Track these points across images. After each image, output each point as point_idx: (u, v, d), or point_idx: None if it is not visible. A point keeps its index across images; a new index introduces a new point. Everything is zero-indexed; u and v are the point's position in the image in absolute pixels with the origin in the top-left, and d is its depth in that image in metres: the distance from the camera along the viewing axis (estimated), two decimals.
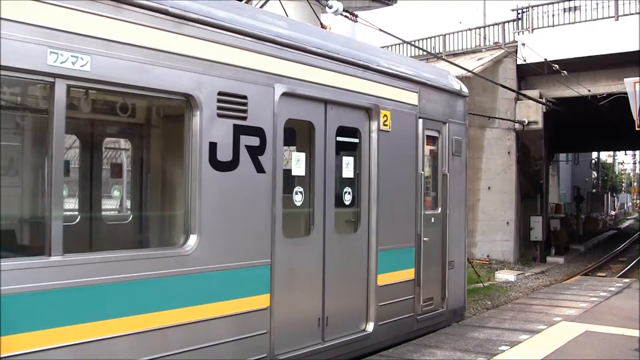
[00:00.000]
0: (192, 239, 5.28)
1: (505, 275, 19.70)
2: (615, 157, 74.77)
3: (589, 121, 29.61)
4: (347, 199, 7.33)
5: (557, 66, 19.68)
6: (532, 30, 23.58)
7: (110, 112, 6.57)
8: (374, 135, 7.45)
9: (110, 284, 4.67)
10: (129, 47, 4.80)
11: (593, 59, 21.46)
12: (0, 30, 4.04)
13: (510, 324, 8.92)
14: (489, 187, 22.90)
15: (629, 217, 64.20)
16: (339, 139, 7.06)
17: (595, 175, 62.16)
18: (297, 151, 6.83)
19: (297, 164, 6.59)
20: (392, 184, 7.75)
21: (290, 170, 6.61)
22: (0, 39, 4.03)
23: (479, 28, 26.13)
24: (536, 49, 21.92)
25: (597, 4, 22.19)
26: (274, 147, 6.03)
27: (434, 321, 8.64)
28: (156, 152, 7.09)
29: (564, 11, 23.11)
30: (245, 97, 5.73)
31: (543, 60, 21.01)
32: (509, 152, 23.29)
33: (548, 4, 23.54)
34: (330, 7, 9.76)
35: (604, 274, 20.84)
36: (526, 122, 22.88)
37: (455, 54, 25.21)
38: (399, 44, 26.52)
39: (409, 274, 8.09)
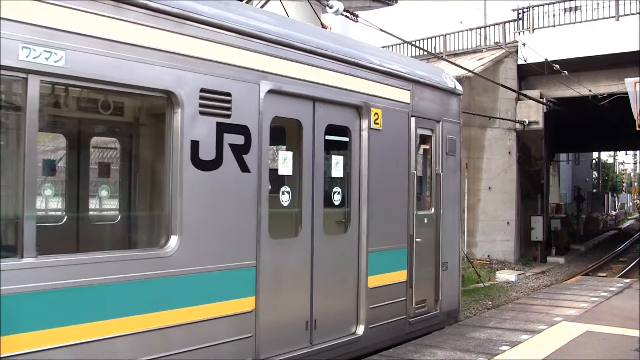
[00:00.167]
0: (173, 240, 5.11)
1: (505, 275, 19.66)
2: (616, 157, 74.75)
3: (589, 121, 29.58)
4: (337, 199, 7.15)
5: (557, 66, 19.67)
6: (533, 30, 23.54)
7: (91, 110, 6.37)
8: (365, 133, 7.27)
9: (86, 287, 4.49)
10: (106, 43, 4.63)
11: (594, 59, 21.42)
12: None
13: (510, 324, 8.87)
14: (489, 187, 22.87)
15: (629, 217, 64.11)
16: (328, 137, 6.89)
17: (596, 175, 62.13)
18: (288, 150, 6.67)
19: (284, 163, 6.41)
20: (384, 184, 7.58)
21: (277, 170, 6.45)
22: None
23: (480, 28, 26.08)
24: (537, 49, 21.89)
25: (597, 4, 22.15)
26: (260, 146, 5.86)
27: (427, 323, 8.45)
28: (138, 151, 6.89)
29: (565, 11, 23.08)
30: (229, 95, 5.57)
31: (544, 60, 20.98)
32: (509, 152, 23.25)
33: (549, 4, 23.50)
34: (331, 7, 9.75)
35: (604, 274, 20.80)
36: (527, 122, 22.83)
37: (455, 54, 25.18)
38: (400, 44, 26.51)
39: (400, 275, 7.90)
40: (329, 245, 6.86)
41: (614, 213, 62.10)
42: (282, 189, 6.40)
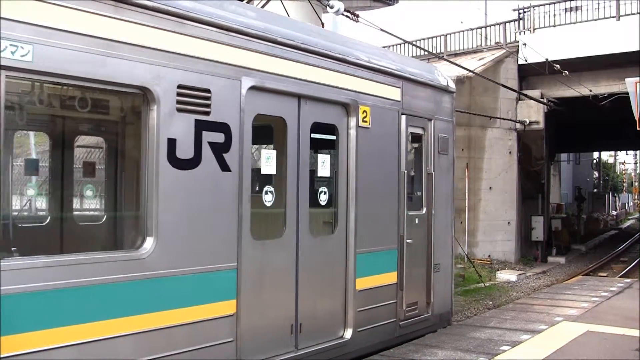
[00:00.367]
0: (149, 242, 4.89)
1: (506, 275, 19.65)
2: (617, 157, 74.71)
3: (590, 121, 29.62)
4: (323, 199, 6.94)
5: (558, 66, 19.69)
6: (534, 30, 23.53)
7: (67, 108, 6.12)
8: (353, 132, 7.05)
9: (55, 290, 4.25)
10: (77, 37, 4.42)
11: (594, 59, 21.40)
12: None
13: (511, 324, 8.85)
14: (490, 187, 22.85)
15: (630, 217, 63.97)
16: (314, 135, 6.67)
17: (597, 175, 62.10)
18: (276, 149, 6.45)
19: (268, 161, 6.18)
20: (373, 183, 7.36)
21: (261, 169, 6.24)
22: None
23: (481, 28, 26.10)
24: (537, 48, 21.88)
25: (598, 4, 22.14)
26: (241, 144, 5.64)
27: (418, 327, 8.23)
28: (113, 150, 6.68)
29: (565, 11, 23.07)
30: (208, 91, 5.35)
31: (544, 60, 20.99)
32: (510, 152, 23.23)
33: (549, 4, 23.48)
34: (332, 7, 9.76)
35: (605, 274, 20.77)
36: (527, 122, 22.80)
37: (456, 54, 25.18)
38: (401, 44, 26.53)
39: (390, 277, 7.68)
40: (315, 247, 6.65)
41: (614, 213, 62.01)
42: (266, 188, 6.18)
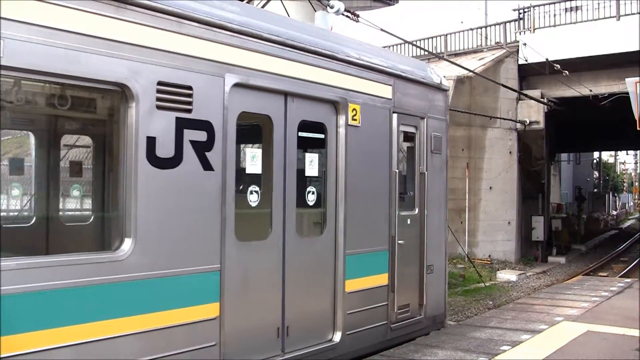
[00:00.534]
0: (127, 243, 4.72)
1: (506, 275, 19.66)
2: (617, 157, 74.73)
3: (590, 121, 29.64)
4: (312, 199, 6.75)
5: (558, 66, 19.72)
6: (534, 30, 23.53)
7: (42, 104, 5.87)
8: (342, 130, 6.86)
9: (26, 294, 4.09)
10: (52, 32, 4.26)
11: (594, 58, 21.41)
12: None
13: (511, 323, 8.83)
14: (490, 187, 22.84)
15: (630, 217, 63.97)
16: (302, 134, 6.50)
17: (597, 175, 62.11)
18: (264, 148, 6.28)
19: (253, 160, 6.00)
20: (363, 183, 7.19)
21: (248, 168, 6.06)
22: None
23: (481, 28, 26.09)
24: (537, 48, 21.88)
25: (598, 4, 22.14)
26: (224, 143, 5.46)
27: (410, 329, 8.03)
28: (91, 148, 6.50)
29: (566, 11, 23.07)
30: (190, 88, 5.18)
31: (544, 60, 21.01)
32: (510, 152, 23.23)
33: (549, 4, 23.48)
34: (332, 7, 9.74)
35: (605, 274, 20.76)
36: (528, 122, 22.81)
37: (456, 54, 25.18)
38: (401, 44, 26.53)
39: (381, 279, 7.50)
40: (302, 248, 6.47)
41: (614, 213, 61.98)
42: (251, 188, 6.00)
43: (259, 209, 6.07)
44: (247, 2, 8.30)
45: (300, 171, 6.53)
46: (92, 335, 4.46)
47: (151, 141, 4.89)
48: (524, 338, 7.88)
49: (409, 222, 8.08)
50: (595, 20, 22.17)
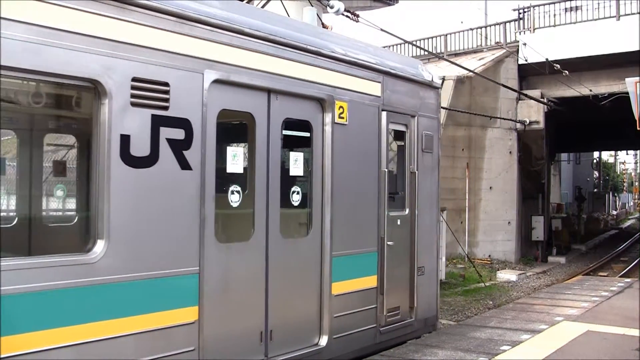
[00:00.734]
0: (99, 245, 4.54)
1: (506, 275, 19.63)
2: (617, 157, 74.75)
3: (590, 121, 29.64)
4: (296, 199, 6.56)
5: (558, 66, 19.72)
6: (534, 30, 23.52)
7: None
8: (328, 128, 6.69)
9: None
10: (17, 25, 4.08)
11: (594, 58, 21.40)
12: None
13: (511, 323, 8.81)
14: (490, 187, 22.83)
15: (630, 217, 63.94)
16: (287, 132, 6.34)
17: (597, 175, 62.11)
18: (248, 146, 6.11)
19: (234, 159, 5.81)
20: (350, 183, 7.01)
21: (229, 167, 5.88)
22: None
23: (481, 28, 26.10)
24: (537, 48, 21.87)
25: (598, 3, 22.13)
26: (203, 141, 5.28)
27: (400, 332, 7.85)
28: (61, 146, 6.35)
29: (566, 11, 23.06)
30: (166, 84, 5.00)
31: (544, 60, 21.01)
32: (510, 152, 23.22)
33: (549, 3, 23.46)
34: (332, 7, 9.73)
35: (605, 274, 20.73)
36: (528, 121, 22.79)
37: (456, 54, 25.19)
38: (401, 44, 26.54)
39: (370, 281, 7.33)
40: (287, 250, 6.28)
41: (614, 213, 61.96)
42: (232, 188, 5.81)
43: (241, 210, 5.87)
44: (247, 2, 8.29)
45: (285, 170, 6.37)
46: (61, 340, 4.29)
47: (125, 139, 4.72)
48: (524, 338, 7.87)
49: (399, 222, 7.92)
50: (595, 20, 22.16)
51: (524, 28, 23.90)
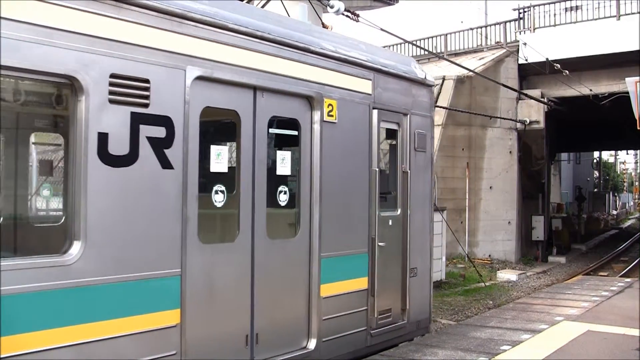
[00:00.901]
0: (76, 247, 4.38)
1: (506, 275, 19.59)
2: (617, 157, 74.78)
3: (590, 121, 29.64)
4: (284, 199, 6.40)
5: (558, 65, 19.72)
6: (534, 29, 23.51)
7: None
8: (317, 126, 6.52)
9: None
10: None
11: (594, 58, 21.37)
12: None
13: (511, 323, 8.80)
14: (490, 187, 22.81)
15: (630, 217, 63.94)
16: (273, 130, 6.21)
17: (597, 174, 62.14)
18: (234, 145, 5.96)
19: (218, 158, 5.65)
20: (339, 182, 6.85)
21: (213, 166, 5.73)
22: None
23: (481, 28, 26.10)
24: (538, 48, 21.85)
25: (598, 3, 22.11)
26: (186, 139, 5.13)
27: (392, 335, 7.68)
28: (35, 144, 6.11)
29: (566, 11, 23.05)
30: (147, 81, 4.85)
31: (545, 60, 21.01)
32: (510, 152, 23.19)
33: (550, 3, 23.44)
34: (332, 7, 9.72)
35: (605, 274, 20.69)
36: (528, 121, 22.75)
37: (456, 54, 25.18)
38: (401, 44, 26.55)
39: (360, 283, 7.16)
40: (274, 251, 6.13)
41: (615, 212, 61.96)
42: (216, 187, 5.65)
43: (226, 210, 5.72)
44: (247, 2, 8.30)
45: (272, 170, 6.22)
46: (35, 345, 4.12)
47: (103, 137, 4.56)
48: (524, 338, 7.85)
49: (390, 223, 7.75)
50: (595, 19, 22.15)
51: (524, 28, 23.89)
